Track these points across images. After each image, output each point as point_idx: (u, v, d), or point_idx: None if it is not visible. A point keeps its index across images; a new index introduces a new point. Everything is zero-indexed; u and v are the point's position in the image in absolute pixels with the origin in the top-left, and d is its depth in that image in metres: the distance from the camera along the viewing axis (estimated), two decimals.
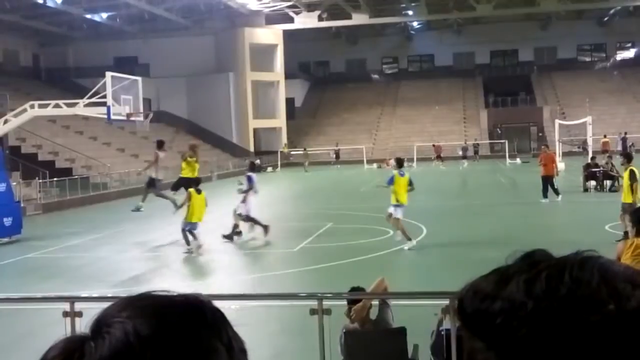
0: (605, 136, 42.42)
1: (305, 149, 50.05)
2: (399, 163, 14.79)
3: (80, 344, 0.71)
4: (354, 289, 6.24)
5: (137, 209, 18.48)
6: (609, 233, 14.01)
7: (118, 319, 0.72)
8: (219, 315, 0.77)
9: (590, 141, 33.59)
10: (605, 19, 61.29)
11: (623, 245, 5.37)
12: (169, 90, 53.02)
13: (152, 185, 18.48)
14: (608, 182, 23.70)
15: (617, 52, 64.72)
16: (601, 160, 25.29)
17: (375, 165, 46.76)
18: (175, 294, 0.78)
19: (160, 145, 18.89)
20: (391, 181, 14.30)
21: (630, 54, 64.37)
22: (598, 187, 23.91)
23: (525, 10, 54.68)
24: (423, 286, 9.94)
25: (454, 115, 59.13)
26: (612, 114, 52.84)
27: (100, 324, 0.72)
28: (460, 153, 46.94)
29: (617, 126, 49.72)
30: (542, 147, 24.27)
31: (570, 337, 0.66)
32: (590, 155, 30.63)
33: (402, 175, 14.34)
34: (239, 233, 16.33)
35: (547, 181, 21.44)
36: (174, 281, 12.30)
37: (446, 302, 5.90)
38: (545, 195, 21.24)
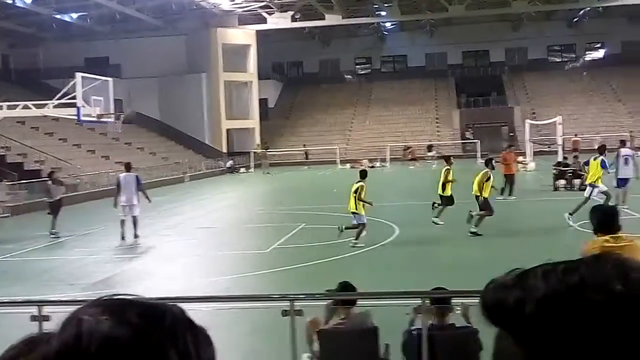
0: (575, 135, 42.97)
1: (264, 150, 49.82)
2: (362, 175, 14.97)
3: (34, 340, 0.74)
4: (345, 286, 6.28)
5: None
6: (577, 231, 14.20)
7: (79, 317, 0.74)
8: (183, 321, 0.78)
9: (560, 141, 33.97)
10: (575, 19, 62.12)
11: (587, 246, 5.39)
12: (141, 91, 52.57)
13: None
14: (577, 181, 23.99)
15: (587, 52, 65.63)
16: (571, 160, 25.62)
17: (348, 166, 46.85)
18: (145, 298, 0.80)
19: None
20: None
21: (599, 54, 65.31)
22: (567, 186, 24.20)
23: (496, 11, 55.18)
24: (395, 286, 9.96)
25: (426, 115, 59.48)
26: (581, 114, 53.57)
27: (65, 322, 0.75)
28: (431, 154, 47.27)
29: (586, 126, 50.40)
30: (506, 147, 24.66)
31: (577, 318, 0.70)
32: (560, 154, 31.03)
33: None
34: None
35: (509, 179, 21.75)
36: (145, 283, 12.19)
37: (418, 301, 5.94)
38: (502, 193, 21.53)
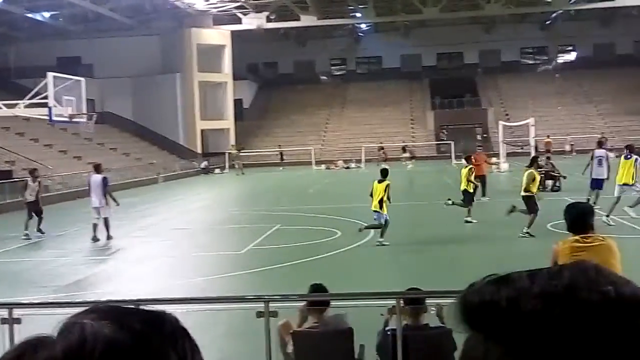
0: (548, 136, 43.50)
1: (239, 150, 49.62)
2: (385, 174, 15.09)
3: (37, 343, 0.74)
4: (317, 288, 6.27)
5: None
6: (550, 231, 14.35)
7: (81, 321, 0.76)
8: (179, 328, 0.81)
9: (532, 142, 34.36)
10: (547, 22, 62.91)
11: (558, 245, 5.44)
12: (114, 91, 52.10)
13: None
14: (549, 182, 24.25)
15: (559, 55, 66.48)
16: (543, 161, 25.85)
17: (323, 167, 46.92)
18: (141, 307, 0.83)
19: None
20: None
21: (571, 56, 66.22)
22: (540, 186, 24.41)
23: (470, 14, 55.66)
24: (371, 287, 9.98)
25: (401, 116, 59.77)
26: (553, 116, 54.23)
27: (65, 326, 0.76)
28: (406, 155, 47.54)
29: (558, 127, 51.03)
30: (477, 148, 24.85)
31: (574, 318, 0.71)
32: (534, 155, 31.36)
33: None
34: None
35: (481, 180, 21.92)
36: (118, 285, 12.07)
37: (392, 302, 5.96)
38: (484, 194, 21.71)
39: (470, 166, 18.00)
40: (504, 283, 0.76)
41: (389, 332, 5.81)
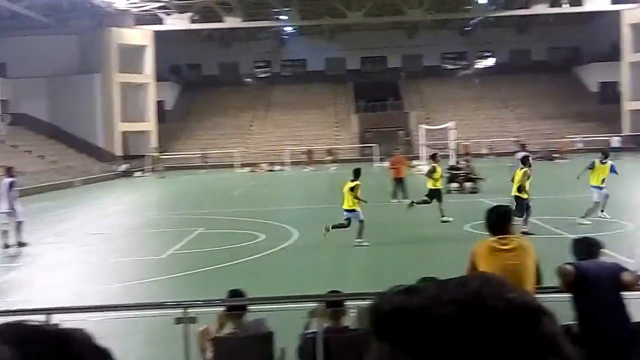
0: (466, 140, 44.60)
1: (160, 153, 48.70)
2: (357, 174, 15.19)
3: None
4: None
5: None
6: (468, 232, 14.68)
7: None
8: (89, 348, 0.75)
9: (452, 145, 35.11)
10: (467, 29, 64.65)
11: (476, 247, 5.53)
12: (29, 92, 50.14)
13: None
14: (468, 184, 24.86)
15: (478, 60, 68.42)
16: (462, 163, 26.48)
17: (247, 170, 46.61)
18: (47, 324, 0.76)
19: None
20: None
21: (489, 62, 68.25)
22: (459, 188, 25.02)
23: (393, 19, 56.54)
24: (293, 290, 9.91)
25: (326, 119, 60.11)
26: (473, 119, 55.71)
27: None
28: (330, 157, 47.92)
29: (477, 131, 52.46)
30: (394, 150, 25.19)
31: (482, 325, 0.73)
32: (453, 158, 32.07)
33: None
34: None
35: (399, 183, 22.25)
36: (31, 293, 11.56)
37: (314, 305, 5.93)
38: (394, 197, 22.06)
39: (434, 165, 18.20)
40: (414, 292, 0.76)
41: (309, 335, 5.77)
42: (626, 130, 51.54)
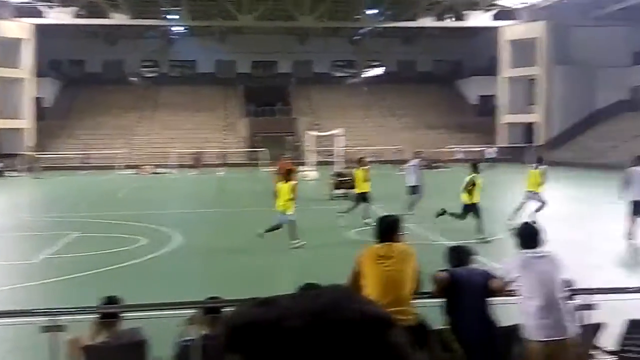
0: (351, 147, 45.24)
1: (34, 152, 46.41)
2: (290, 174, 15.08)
3: None
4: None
5: None
6: (354, 238, 14.85)
7: None
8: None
9: (339, 152, 35.59)
10: (357, 37, 65.94)
11: (362, 252, 5.63)
12: None
13: None
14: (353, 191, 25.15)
15: (366, 69, 69.92)
16: (347, 170, 26.81)
17: (132, 172, 45.22)
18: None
19: None
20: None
21: (377, 71, 69.91)
22: (344, 195, 25.29)
23: (284, 24, 56.74)
24: (172, 296, 9.59)
25: (215, 122, 59.38)
26: (361, 127, 56.79)
27: None
28: (219, 161, 47.41)
29: (365, 138, 53.53)
30: (282, 156, 25.24)
31: (335, 335, 0.75)
32: (339, 165, 32.50)
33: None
34: None
35: None
36: None
37: (191, 312, 5.75)
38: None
39: (364, 168, 18.30)
40: (269, 304, 0.78)
41: (185, 343, 5.59)
42: (502, 142, 54.26)
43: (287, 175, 15.06)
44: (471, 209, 15.06)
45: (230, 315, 0.74)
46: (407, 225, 15.13)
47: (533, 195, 17.14)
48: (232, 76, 65.31)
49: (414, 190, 19.43)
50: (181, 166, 47.08)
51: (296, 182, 14.97)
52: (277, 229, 14.41)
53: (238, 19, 52.54)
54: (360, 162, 19.06)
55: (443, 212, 15.36)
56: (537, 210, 16.81)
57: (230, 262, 13.44)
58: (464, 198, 15.28)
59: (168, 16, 55.05)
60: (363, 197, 17.89)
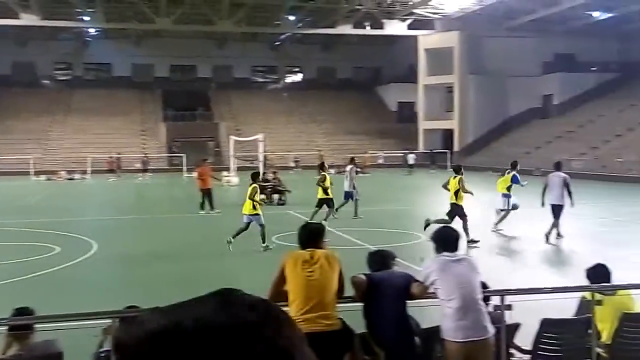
0: (272, 152, 45.26)
1: None
2: (254, 177, 15.37)
3: None
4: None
5: None
6: (276, 243, 14.78)
7: None
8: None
9: (261, 157, 35.51)
10: (277, 43, 65.94)
11: (286, 258, 5.62)
12: None
13: None
14: (276, 196, 25.16)
15: (287, 75, 70.03)
16: (271, 175, 26.76)
17: (44, 177, 43.58)
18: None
19: None
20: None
21: (297, 77, 70.15)
22: (267, 200, 25.22)
23: (203, 28, 56.09)
24: (88, 306, 9.27)
25: (132, 127, 58.01)
26: (282, 132, 56.80)
27: None
28: (139, 166, 46.30)
29: (286, 144, 53.56)
30: (203, 161, 24.94)
31: (216, 342, 0.75)
32: (261, 170, 32.36)
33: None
34: None
35: (207, 194, 22.10)
36: None
37: (108, 322, 5.56)
38: (202, 208, 21.88)
39: (324, 174, 18.44)
40: (158, 314, 0.78)
41: (102, 354, 5.41)
42: (420, 148, 55.48)
43: (251, 177, 15.34)
44: (457, 209, 15.39)
45: (119, 326, 0.81)
46: (333, 229, 15.27)
47: (504, 197, 17.72)
48: (149, 80, 64.00)
49: (346, 195, 19.91)
50: (98, 172, 45.72)
51: (256, 185, 15.07)
52: (243, 231, 14.50)
53: (155, 22, 51.54)
54: (321, 167, 19.27)
55: (428, 224, 15.51)
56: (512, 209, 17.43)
57: (149, 269, 13.13)
58: (452, 199, 15.64)
59: (82, 17, 53.37)
60: (325, 202, 18.18)
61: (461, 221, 14.91)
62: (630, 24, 52.17)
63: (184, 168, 47.23)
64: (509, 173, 17.86)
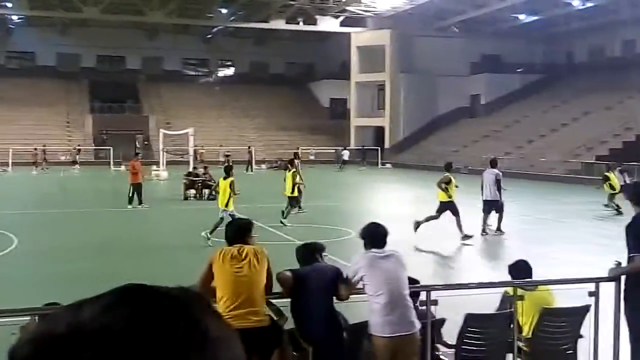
0: (202, 147, 44.73)
1: None
2: (229, 170, 15.36)
3: None
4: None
5: None
6: (204, 239, 14.60)
7: None
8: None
9: (191, 151, 35.07)
10: (209, 36, 65.12)
11: (214, 254, 5.56)
12: None
13: None
14: (206, 191, 24.88)
15: (219, 69, 69.26)
16: (201, 170, 26.46)
17: None
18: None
19: None
20: None
21: (230, 71, 69.49)
22: (197, 195, 24.94)
23: (132, 19, 54.83)
24: (5, 303, 8.90)
25: (57, 118, 56.20)
26: (213, 127, 56.18)
27: None
28: (63, 158, 44.95)
29: (217, 138, 53.03)
30: (136, 155, 24.48)
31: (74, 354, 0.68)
32: (191, 165, 31.97)
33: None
34: None
35: (137, 188, 21.70)
36: None
37: (26, 319, 5.34)
38: (130, 202, 21.46)
39: (294, 170, 18.32)
40: (56, 318, 0.72)
41: None
42: (352, 144, 55.93)
43: (225, 171, 15.34)
44: (448, 206, 15.45)
45: (22, 331, 0.78)
46: (263, 225, 15.21)
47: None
48: (75, 70, 62.07)
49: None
50: (21, 164, 44.09)
51: (233, 178, 15.00)
52: (218, 226, 14.14)
53: (82, 11, 50.08)
54: (291, 164, 19.21)
55: (418, 225, 15.52)
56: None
57: (72, 265, 12.72)
58: (440, 196, 15.70)
59: (5, 4, 51.28)
60: (295, 199, 18.12)
61: (454, 217, 15.24)
62: (555, 27, 54.03)
63: (112, 161, 46.14)
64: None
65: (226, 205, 14.49)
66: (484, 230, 16.04)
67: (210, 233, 14.00)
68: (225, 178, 14.93)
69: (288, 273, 5.64)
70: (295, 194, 18.21)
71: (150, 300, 0.73)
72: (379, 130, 57.20)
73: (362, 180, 37.77)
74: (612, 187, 21.02)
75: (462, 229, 15.15)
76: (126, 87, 60.96)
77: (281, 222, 17.04)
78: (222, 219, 14.18)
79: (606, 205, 20.72)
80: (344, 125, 58.07)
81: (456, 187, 15.78)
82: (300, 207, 19.06)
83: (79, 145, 49.18)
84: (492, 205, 15.93)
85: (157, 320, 0.71)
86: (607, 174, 22.11)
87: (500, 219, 16.14)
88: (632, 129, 39.44)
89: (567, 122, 44.74)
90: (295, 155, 21.48)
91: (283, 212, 17.52)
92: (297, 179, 18.38)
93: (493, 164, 16.75)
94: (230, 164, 19.16)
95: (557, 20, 52.18)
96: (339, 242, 14.44)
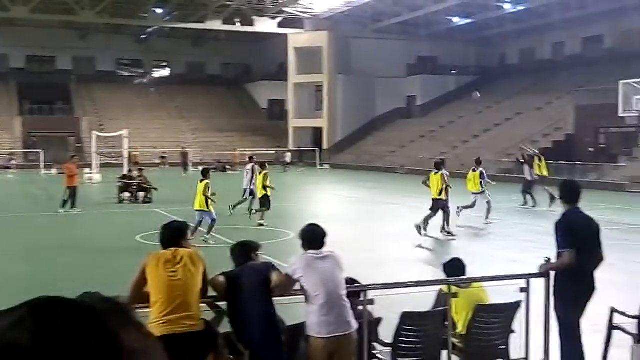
0: (136, 149, 43.89)
1: None
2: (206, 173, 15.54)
3: None
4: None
5: None
6: (140, 243, 14.32)
7: None
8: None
9: (125, 154, 34.39)
10: (143, 37, 63.92)
11: (148, 258, 5.41)
12: None
13: None
14: (141, 194, 24.43)
15: (154, 69, 68.09)
16: (136, 173, 25.95)
17: None
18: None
19: None
20: None
21: (165, 72, 68.41)
22: (132, 198, 24.45)
23: (63, 18, 53.32)
24: None
25: None
26: (148, 129, 55.19)
27: None
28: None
29: (152, 140, 52.15)
30: (71, 158, 23.87)
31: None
32: (126, 167, 31.32)
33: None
34: None
35: (72, 191, 21.19)
36: None
37: None
38: (64, 206, 20.94)
39: (266, 172, 18.34)
40: None
41: None
42: (291, 146, 55.92)
43: (202, 174, 15.51)
44: (440, 204, 15.75)
45: None
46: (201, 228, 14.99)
47: (475, 195, 18.40)
48: (3, 71, 59.94)
49: (244, 192, 20.02)
50: None
51: (209, 181, 15.14)
52: (198, 227, 14.55)
53: (10, 10, 48.39)
54: (262, 166, 19.22)
55: (419, 228, 15.62)
56: (466, 207, 18.13)
57: (6, 268, 12.28)
58: (435, 195, 15.99)
59: None
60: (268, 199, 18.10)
61: (444, 213, 15.78)
62: (488, 30, 55.35)
63: (42, 164, 44.81)
64: (474, 171, 18.50)
65: (207, 207, 14.78)
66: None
67: (192, 235, 13.86)
68: (201, 181, 15.12)
69: (221, 278, 5.54)
70: (269, 192, 18.25)
71: (61, 314, 0.69)
72: (318, 131, 57.37)
73: (302, 181, 37.80)
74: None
75: (449, 224, 15.88)
76: (57, 88, 59.24)
77: (260, 224, 17.47)
78: (200, 221, 14.73)
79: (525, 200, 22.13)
80: (282, 126, 58.01)
81: (450, 187, 16.18)
82: (251, 210, 19.03)
83: (11, 149, 47.53)
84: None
85: (66, 335, 0.66)
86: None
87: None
88: (562, 129, 40.72)
89: (500, 123, 45.88)
90: (250, 159, 21.29)
91: (250, 211, 18.52)
92: (268, 182, 18.26)
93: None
94: (212, 167, 19.25)
95: (490, 23, 53.45)
96: (277, 243, 14.39)
